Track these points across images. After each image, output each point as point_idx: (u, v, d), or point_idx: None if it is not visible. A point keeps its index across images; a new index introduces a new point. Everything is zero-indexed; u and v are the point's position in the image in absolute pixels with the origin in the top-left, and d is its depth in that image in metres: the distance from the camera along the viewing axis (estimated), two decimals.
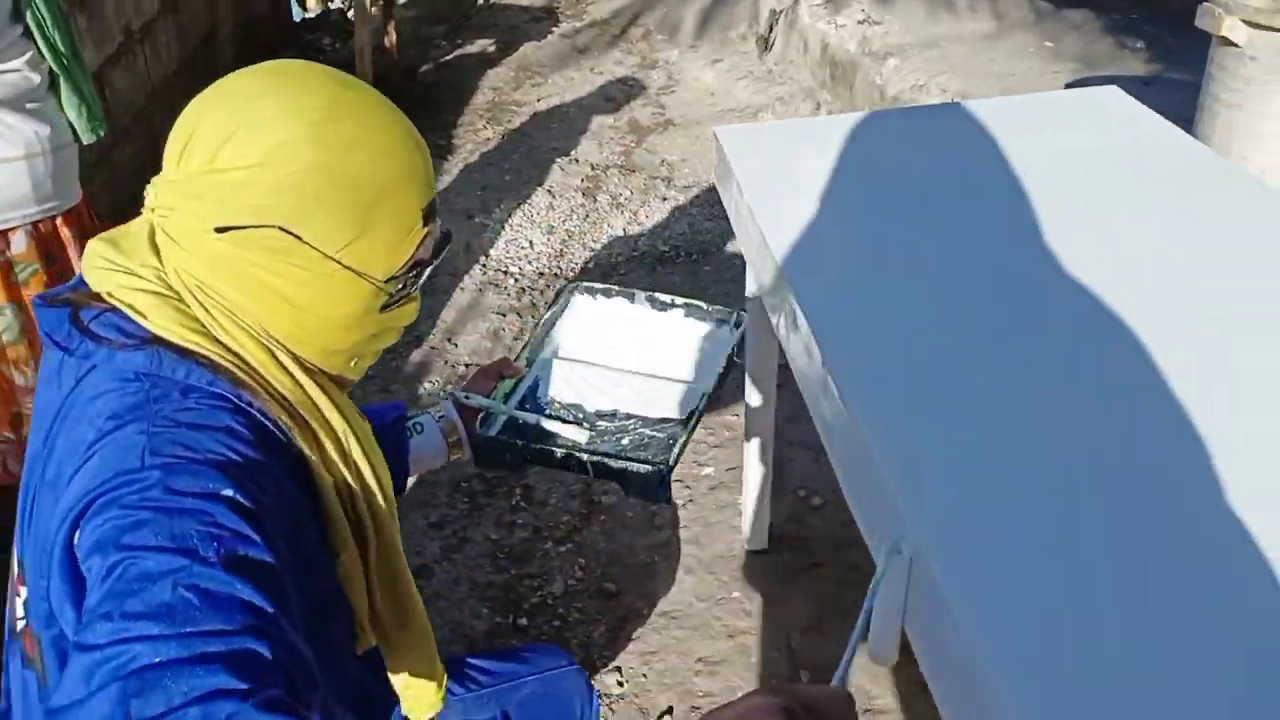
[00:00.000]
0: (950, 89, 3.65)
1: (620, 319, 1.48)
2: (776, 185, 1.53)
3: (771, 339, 1.90)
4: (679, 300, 1.46)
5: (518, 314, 3.04)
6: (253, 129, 0.85)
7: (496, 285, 3.16)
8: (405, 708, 1.17)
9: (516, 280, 3.21)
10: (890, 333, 1.18)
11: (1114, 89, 1.78)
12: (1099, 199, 1.44)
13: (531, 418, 1.32)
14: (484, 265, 3.27)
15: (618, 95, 4.57)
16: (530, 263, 3.30)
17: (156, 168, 0.91)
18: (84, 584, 0.78)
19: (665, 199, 3.67)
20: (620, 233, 3.48)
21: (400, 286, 0.95)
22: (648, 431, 1.31)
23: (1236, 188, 1.44)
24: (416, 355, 2.84)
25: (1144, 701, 0.74)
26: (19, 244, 1.71)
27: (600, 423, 1.34)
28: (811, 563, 2.14)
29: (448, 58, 4.95)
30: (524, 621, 2.03)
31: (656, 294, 1.47)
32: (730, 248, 3.35)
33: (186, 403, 0.85)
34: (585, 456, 1.22)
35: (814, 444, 2.48)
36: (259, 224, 0.86)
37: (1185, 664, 0.77)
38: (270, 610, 0.75)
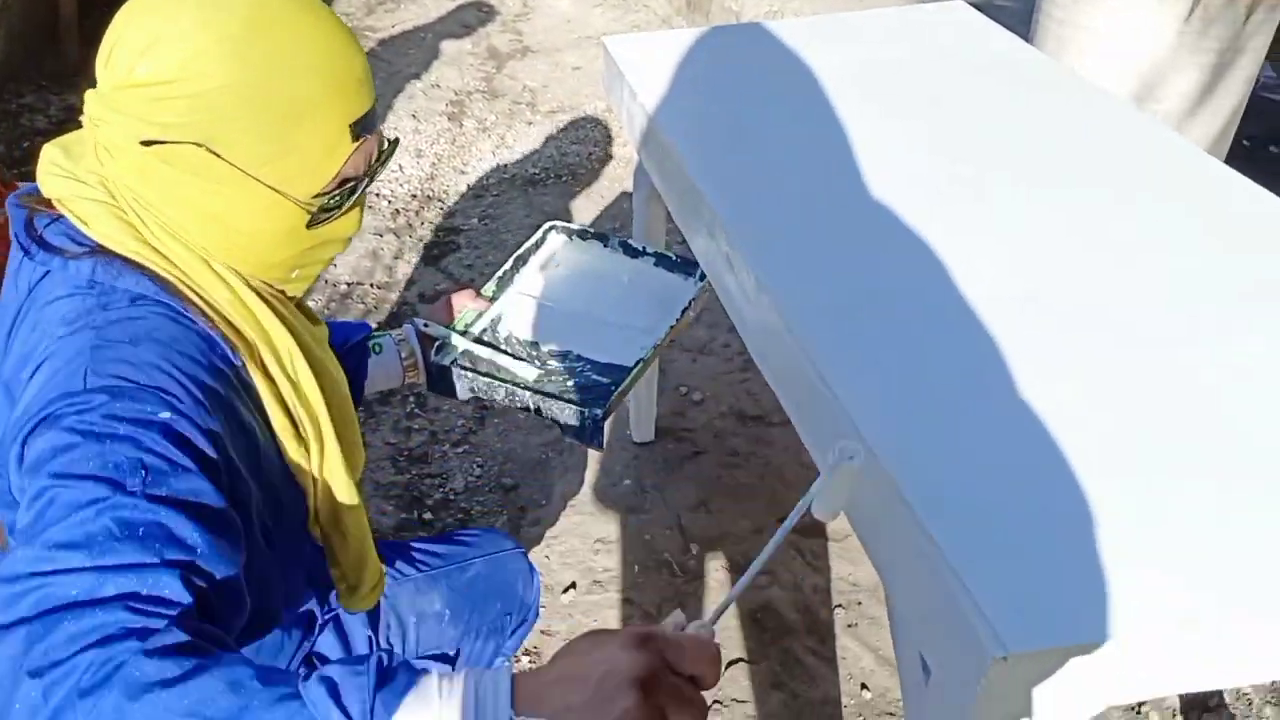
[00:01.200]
0: (804, 14, 3.83)
1: (590, 261, 1.51)
2: (668, 90, 1.66)
3: (659, 240, 2.04)
4: (650, 247, 1.49)
5: (395, 234, 3.08)
6: (170, 42, 0.84)
7: (371, 207, 3.18)
8: (340, 600, 1.17)
9: (390, 203, 3.24)
10: (795, 225, 1.32)
11: (960, 3, 1.97)
12: (958, 101, 1.62)
13: (485, 351, 1.35)
14: None
15: (473, 21, 4.58)
16: (402, 185, 3.33)
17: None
18: None
19: (531, 123, 3.74)
20: (489, 157, 3.54)
21: (330, 203, 0.94)
22: (594, 375, 1.32)
23: (1071, 89, 1.65)
24: None
25: (1095, 578, 0.90)
26: None
27: (551, 362, 1.35)
28: (695, 451, 2.31)
29: None
30: (429, 516, 2.14)
31: (629, 240, 1.50)
32: (599, 169, 3.46)
33: (133, 311, 0.87)
34: (529, 394, 1.26)
35: (693, 346, 2.64)
36: (179, 140, 0.86)
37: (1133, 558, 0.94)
38: (194, 540, 0.74)
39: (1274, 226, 1.28)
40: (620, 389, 1.28)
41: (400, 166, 3.42)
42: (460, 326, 1.37)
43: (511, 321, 1.42)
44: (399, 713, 0.66)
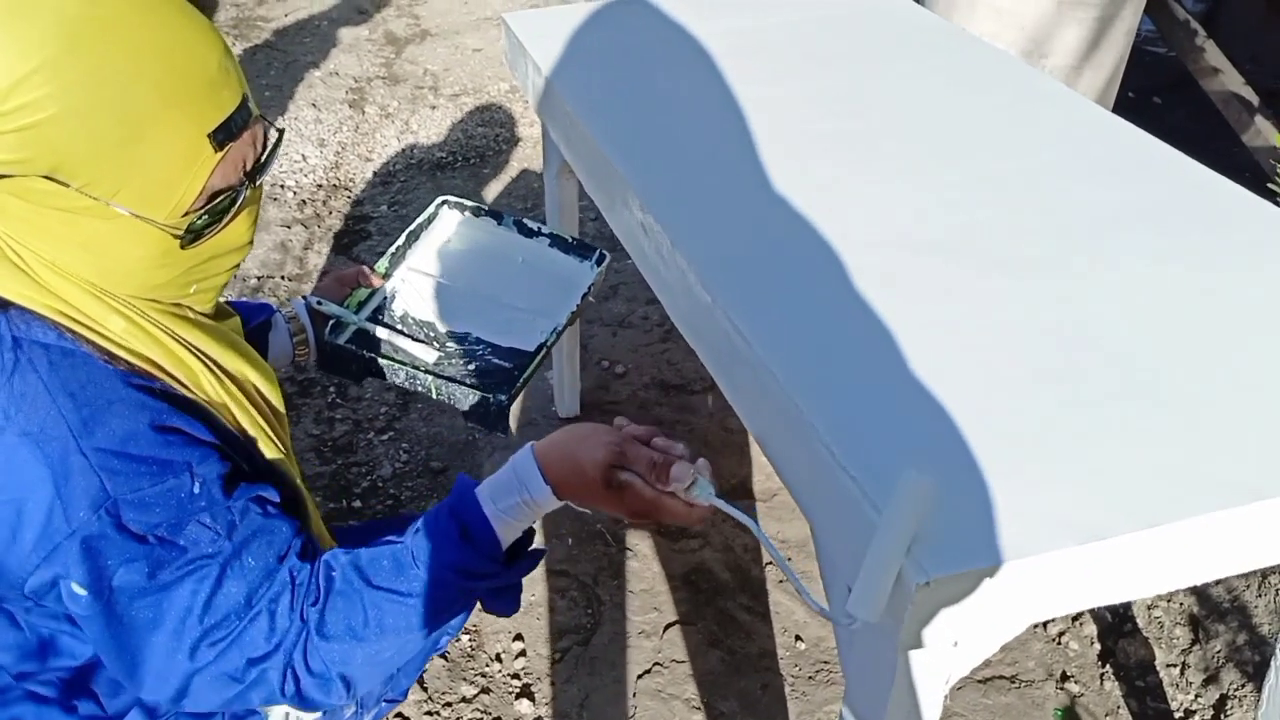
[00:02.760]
0: None
1: (485, 240, 1.47)
2: (571, 63, 1.67)
3: (572, 216, 2.05)
4: (545, 228, 1.44)
5: (303, 225, 3.03)
6: None
7: (276, 199, 3.13)
8: None
9: (295, 194, 3.19)
10: (704, 186, 1.35)
11: None
12: (850, 61, 1.66)
13: (382, 331, 1.31)
14: None
15: (368, 7, 4.51)
16: (306, 175, 3.28)
17: None
18: None
19: (435, 108, 3.71)
20: (394, 143, 3.50)
21: (199, 221, 0.87)
22: (494, 359, 1.30)
23: (960, 46, 1.70)
24: None
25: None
26: None
27: (449, 344, 1.33)
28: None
29: None
30: (358, 504, 2.13)
31: (525, 219, 1.46)
32: (507, 150, 3.45)
33: (70, 375, 0.83)
34: (429, 378, 1.22)
35: (613, 321, 2.67)
36: (23, 174, 0.80)
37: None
38: (276, 529, 0.93)
39: (1155, 165, 1.35)
40: (526, 375, 1.25)
41: (304, 156, 3.37)
42: (354, 305, 1.33)
43: (406, 300, 1.39)
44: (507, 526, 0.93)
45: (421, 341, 1.31)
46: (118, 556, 0.83)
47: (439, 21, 4.40)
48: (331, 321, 1.30)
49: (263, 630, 0.88)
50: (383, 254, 1.40)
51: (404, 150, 3.46)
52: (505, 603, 0.97)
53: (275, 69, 3.93)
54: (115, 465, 0.82)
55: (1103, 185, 1.31)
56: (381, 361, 1.25)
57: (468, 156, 3.41)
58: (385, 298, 1.38)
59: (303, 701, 0.91)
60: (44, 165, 0.79)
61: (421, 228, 1.45)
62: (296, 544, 0.92)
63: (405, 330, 1.34)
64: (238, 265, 0.97)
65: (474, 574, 0.92)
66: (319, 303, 1.30)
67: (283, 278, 2.81)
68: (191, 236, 0.87)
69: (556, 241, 1.44)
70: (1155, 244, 1.19)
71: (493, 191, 3.22)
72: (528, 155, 3.40)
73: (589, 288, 1.37)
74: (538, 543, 1.01)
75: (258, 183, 0.93)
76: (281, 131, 0.96)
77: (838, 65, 1.64)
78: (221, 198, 0.88)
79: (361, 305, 1.35)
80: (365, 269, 1.36)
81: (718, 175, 1.34)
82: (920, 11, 1.83)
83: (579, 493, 0.93)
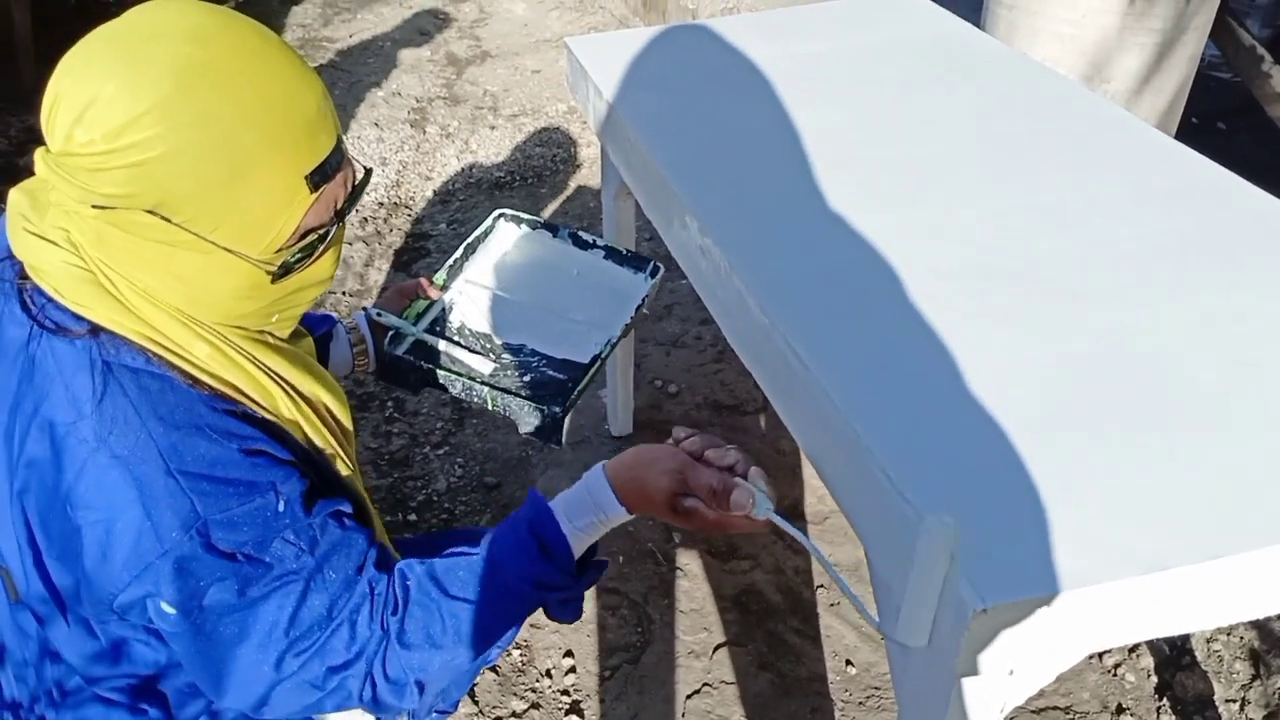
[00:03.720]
0: (759, 9, 3.87)
1: (541, 252, 1.48)
2: (632, 86, 1.69)
3: (629, 237, 2.08)
4: (600, 241, 1.46)
5: (364, 242, 3.09)
6: (99, 107, 0.80)
7: None
8: None
9: (357, 211, 3.25)
10: (762, 209, 1.36)
11: None
12: (912, 86, 1.67)
13: (440, 343, 1.32)
14: None
15: (431, 29, 4.59)
16: (368, 193, 3.34)
17: None
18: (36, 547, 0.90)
19: (494, 128, 3.76)
20: (454, 162, 3.56)
21: (292, 258, 0.90)
22: (549, 371, 1.31)
23: (1021, 71, 1.70)
24: None
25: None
26: None
27: (505, 355, 1.34)
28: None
29: None
30: (413, 518, 2.16)
31: (580, 232, 1.47)
32: (564, 170, 3.49)
33: (160, 400, 0.86)
34: (485, 389, 1.24)
35: (667, 340, 2.68)
36: (127, 207, 0.83)
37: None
38: (352, 542, 0.95)
39: (1219, 192, 1.33)
40: (580, 387, 1.26)
41: None
42: (412, 316, 1.35)
43: (463, 311, 1.40)
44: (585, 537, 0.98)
45: (478, 353, 1.33)
46: (208, 575, 0.85)
47: (499, 43, 4.47)
48: (391, 333, 1.33)
49: (344, 640, 0.91)
50: (440, 267, 1.42)
51: (463, 169, 3.51)
52: (571, 611, 1.02)
53: (340, 89, 4.01)
54: (204, 487, 0.85)
55: (1165, 212, 1.30)
56: (439, 372, 1.26)
57: (525, 176, 3.45)
58: (443, 309, 1.40)
59: (377, 706, 0.94)
60: (149, 200, 0.82)
61: (478, 240, 1.47)
62: (372, 554, 0.96)
63: (462, 341, 1.35)
64: (315, 298, 1.01)
65: (549, 586, 0.97)
66: (379, 314, 1.33)
67: (344, 293, 2.87)
68: (282, 272, 0.90)
69: (611, 254, 1.45)
70: (1218, 273, 1.18)
71: (549, 211, 3.26)
72: (584, 175, 3.44)
73: (643, 299, 1.38)
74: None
75: (344, 219, 0.95)
76: (369, 171, 0.99)
77: (898, 91, 1.64)
78: (313, 235, 0.91)
79: (420, 317, 1.37)
80: (424, 281, 1.39)
81: (776, 198, 1.35)
82: (981, 37, 1.83)
83: (647, 511, 0.99)
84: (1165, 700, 1.80)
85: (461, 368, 1.30)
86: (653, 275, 1.42)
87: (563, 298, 1.42)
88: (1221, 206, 1.31)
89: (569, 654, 1.89)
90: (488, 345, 1.36)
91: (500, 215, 1.50)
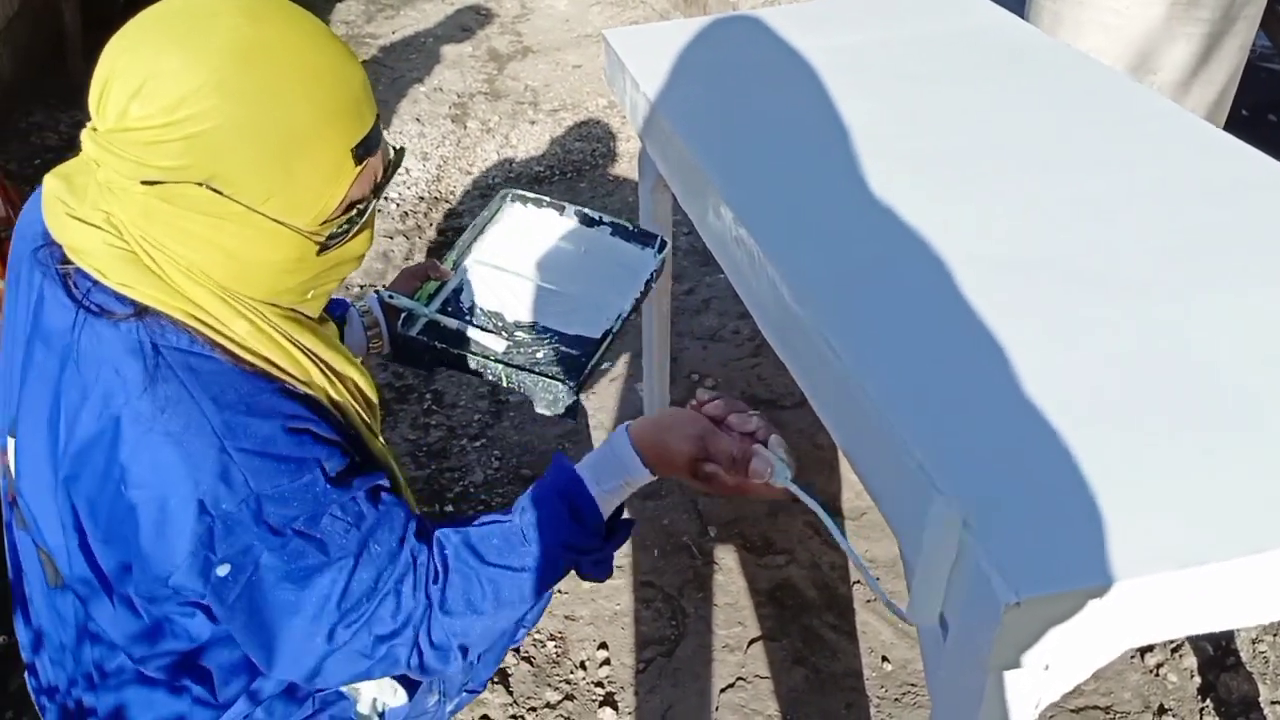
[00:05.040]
0: (800, 0, 3.85)
1: (548, 230, 1.49)
2: (669, 79, 1.69)
3: (666, 230, 2.07)
4: (607, 218, 1.46)
5: (404, 236, 3.12)
6: (157, 82, 0.82)
7: (380, 211, 3.22)
8: None
9: (398, 205, 3.27)
10: (798, 202, 1.35)
11: None
12: (955, 77, 1.65)
13: (452, 323, 1.33)
14: None
15: (472, 24, 4.62)
16: (409, 188, 3.37)
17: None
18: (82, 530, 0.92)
19: (534, 123, 3.78)
20: (494, 157, 3.57)
21: (338, 229, 0.93)
22: (562, 347, 1.32)
23: (1066, 62, 1.67)
24: None
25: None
26: None
27: (518, 333, 1.34)
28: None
29: None
30: (450, 509, 2.17)
31: (586, 209, 1.48)
32: (604, 165, 3.49)
33: (211, 380, 0.88)
34: (500, 367, 1.25)
35: (704, 334, 2.68)
36: (179, 180, 0.85)
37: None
38: (393, 516, 0.97)
39: (1269, 185, 1.30)
40: (593, 362, 1.27)
41: (407, 170, 3.46)
42: (424, 297, 1.36)
43: (475, 292, 1.41)
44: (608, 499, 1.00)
45: (490, 331, 1.33)
46: (260, 547, 0.87)
47: (540, 38, 4.48)
48: (404, 315, 1.33)
49: (390, 610, 0.94)
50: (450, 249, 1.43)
51: (503, 164, 3.52)
52: (603, 570, 1.05)
53: (382, 84, 4.04)
54: (257, 464, 0.87)
55: (1213, 205, 1.27)
56: (452, 351, 1.28)
57: (565, 170, 3.46)
58: (454, 290, 1.41)
59: (424, 671, 0.97)
60: (202, 173, 0.84)
61: (486, 221, 1.48)
62: (412, 526, 0.98)
63: (474, 321, 1.36)
64: (347, 275, 1.02)
65: (581, 549, 1.00)
66: (390, 296, 1.34)
67: (384, 286, 2.89)
68: (330, 242, 0.93)
69: (618, 230, 1.46)
70: (1266, 267, 1.16)
71: (589, 205, 3.24)
72: (624, 169, 3.44)
73: (652, 274, 1.40)
74: (628, 569, 1.05)
75: (381, 195, 0.98)
76: (401, 150, 1.01)
77: (940, 82, 1.63)
78: (355, 208, 0.93)
79: (431, 298, 1.38)
80: (435, 262, 1.40)
81: (812, 190, 1.35)
82: (1025, 28, 1.81)
83: (669, 474, 1.02)
84: (1209, 701, 1.77)
85: (475, 346, 1.31)
86: (660, 250, 1.43)
87: (572, 275, 1.43)
88: (1273, 200, 1.28)
89: (603, 646, 1.89)
90: (500, 324, 1.37)
91: (507, 195, 1.52)
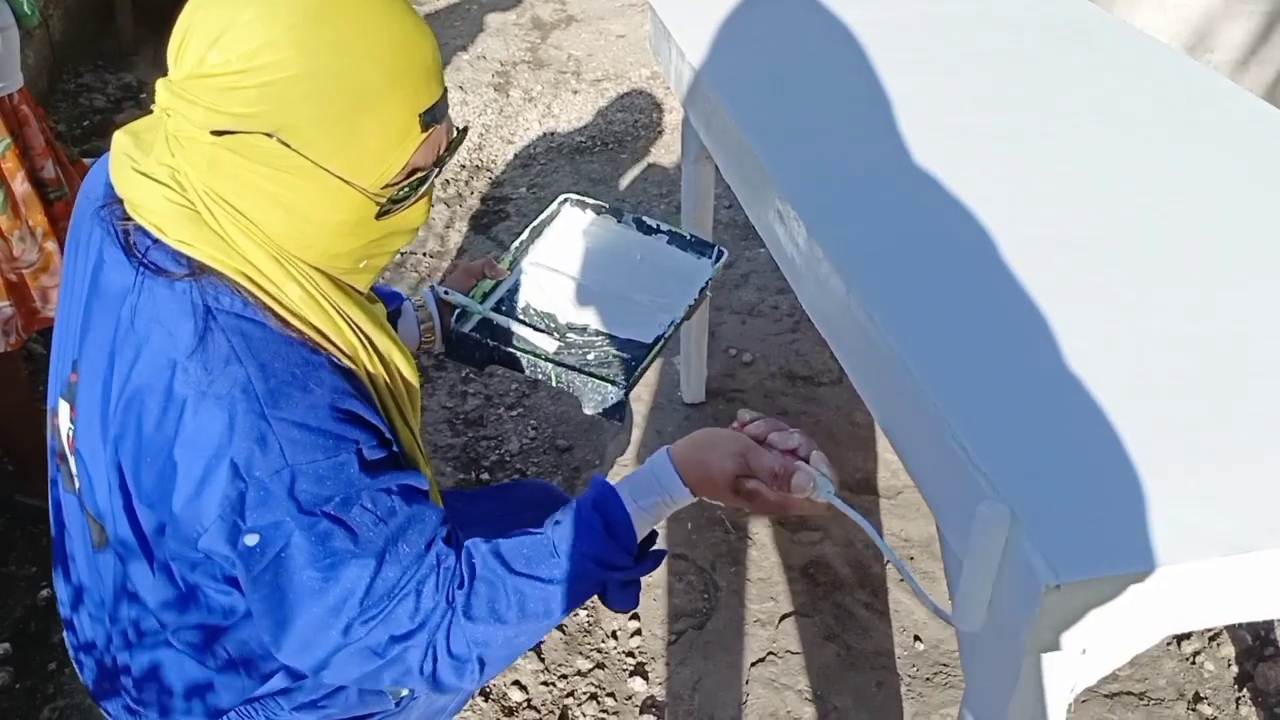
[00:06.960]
0: None
1: (605, 235, 1.50)
2: (715, 48, 1.67)
3: (707, 204, 2.06)
4: (664, 225, 1.48)
5: (445, 204, 3.12)
6: (237, 31, 0.84)
7: None
8: None
9: (439, 173, 3.28)
10: (843, 175, 1.34)
11: None
12: (1007, 53, 1.62)
13: (505, 321, 1.35)
14: None
15: None
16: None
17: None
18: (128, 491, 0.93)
19: (576, 92, 3.76)
20: (535, 126, 3.57)
21: (399, 194, 0.93)
22: (612, 350, 1.34)
23: (1122, 39, 1.64)
24: None
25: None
26: None
27: (570, 335, 1.36)
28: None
29: None
30: (486, 477, 2.19)
31: (644, 216, 1.49)
32: (646, 136, 3.47)
33: (261, 347, 0.88)
34: (550, 366, 1.27)
35: (742, 309, 2.66)
36: (249, 130, 0.86)
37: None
38: (424, 515, 0.95)
39: None
40: (643, 366, 1.29)
41: None
42: (479, 295, 1.39)
43: (529, 292, 1.44)
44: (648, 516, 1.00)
45: (543, 331, 1.36)
46: (291, 524, 0.87)
47: (584, 7, 4.45)
48: (458, 311, 1.36)
49: (409, 609, 0.92)
50: (512, 241, 1.43)
51: (545, 134, 3.52)
52: (629, 598, 1.03)
53: None
54: (295, 435, 0.87)
55: (1271, 187, 1.24)
56: (504, 349, 1.30)
57: (606, 141, 3.45)
58: (509, 290, 1.43)
59: (435, 684, 0.95)
60: (273, 123, 0.86)
61: (544, 224, 1.50)
62: (443, 531, 0.96)
63: (527, 320, 1.38)
64: (399, 249, 1.03)
65: (611, 565, 0.98)
66: (446, 292, 1.36)
67: (425, 254, 2.90)
68: (390, 206, 0.94)
69: (675, 239, 1.47)
70: None
71: (629, 176, 3.25)
72: (666, 141, 3.42)
73: (706, 282, 1.40)
74: (660, 542, 1.05)
75: (442, 168, 0.99)
76: (466, 128, 1.02)
77: (992, 57, 1.60)
78: (418, 174, 0.94)
79: (486, 296, 1.40)
80: (491, 260, 1.42)
81: (859, 165, 1.33)
82: (1080, 3, 1.77)
83: (710, 494, 1.01)
84: (1245, 691, 1.75)
85: (527, 345, 1.33)
86: (716, 260, 1.43)
87: (626, 280, 1.45)
88: None
89: (635, 617, 1.90)
90: (552, 324, 1.39)
91: (565, 199, 1.53)
